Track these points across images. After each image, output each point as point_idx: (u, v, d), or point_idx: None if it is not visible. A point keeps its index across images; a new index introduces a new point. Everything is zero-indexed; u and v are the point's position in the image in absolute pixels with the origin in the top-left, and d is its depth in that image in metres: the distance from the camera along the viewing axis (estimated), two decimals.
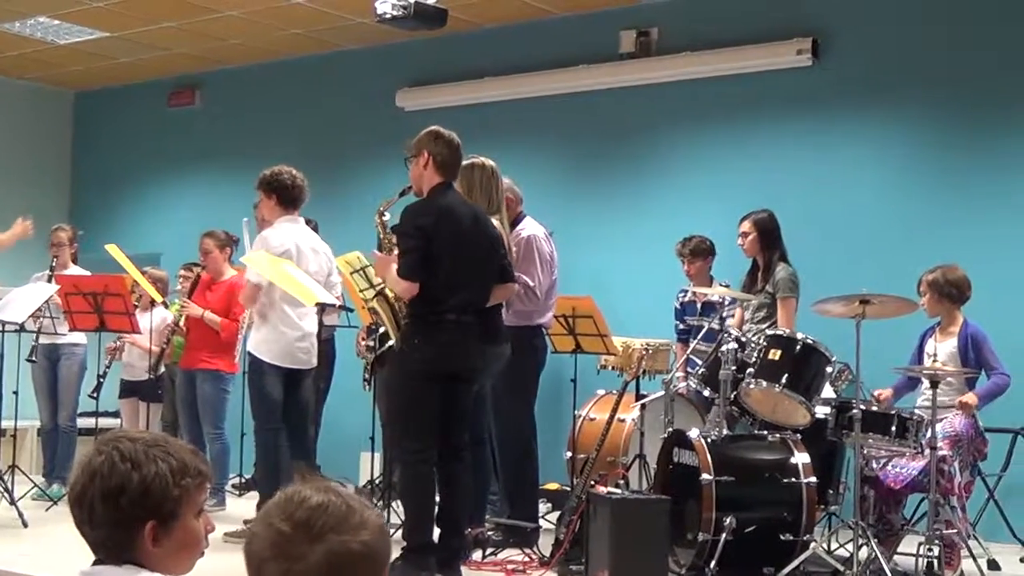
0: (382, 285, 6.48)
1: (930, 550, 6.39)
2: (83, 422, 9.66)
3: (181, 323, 8.73)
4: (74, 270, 9.48)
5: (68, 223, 10.49)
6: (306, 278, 7.35)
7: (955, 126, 8.96)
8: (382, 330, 7.76)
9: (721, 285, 8.31)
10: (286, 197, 7.57)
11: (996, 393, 6.90)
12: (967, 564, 6.65)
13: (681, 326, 8.74)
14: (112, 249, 9.00)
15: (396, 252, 6.26)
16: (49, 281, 9.05)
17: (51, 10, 10.93)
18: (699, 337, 7.84)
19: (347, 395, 9.52)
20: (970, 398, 6.81)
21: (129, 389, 9.90)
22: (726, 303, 8.15)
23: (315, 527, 2.05)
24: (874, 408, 6.65)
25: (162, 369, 9.32)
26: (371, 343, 8.39)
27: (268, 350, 7.48)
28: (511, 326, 6.92)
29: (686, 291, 8.67)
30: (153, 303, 9.37)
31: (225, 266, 8.84)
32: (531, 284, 7.25)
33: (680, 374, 7.88)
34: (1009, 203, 8.65)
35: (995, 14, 8.78)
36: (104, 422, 9.52)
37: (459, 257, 6.15)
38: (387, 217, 6.53)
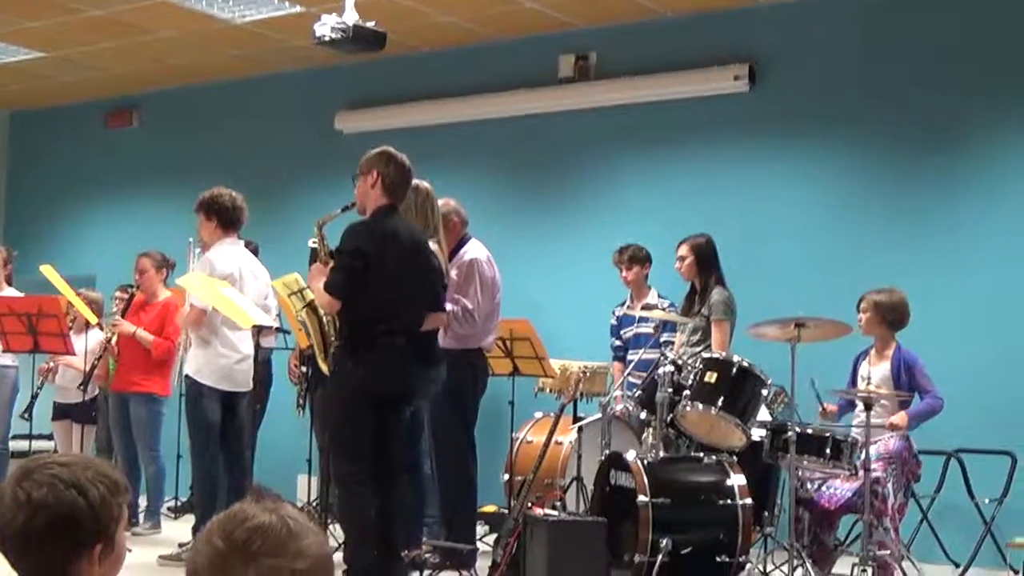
0: (313, 300, 6.47)
1: (864, 571, 6.42)
2: (15, 444, 9.53)
3: (113, 342, 8.64)
4: (8, 291, 9.34)
5: (2, 244, 10.38)
6: (243, 299, 7.31)
7: (889, 152, 9.04)
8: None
9: (662, 309, 8.34)
10: (226, 219, 7.53)
11: (928, 414, 6.96)
12: None
13: (617, 342, 8.76)
14: (47, 270, 8.90)
15: (331, 266, 6.23)
16: None
17: None
18: (647, 346, 7.86)
19: (283, 417, 9.46)
20: (900, 418, 6.85)
21: (62, 411, 9.75)
22: (663, 327, 8.19)
23: (251, 549, 2.02)
24: (809, 430, 6.68)
25: (96, 391, 9.22)
26: (304, 369, 8.35)
27: (208, 373, 7.42)
28: (449, 349, 6.92)
29: (623, 304, 8.71)
30: (88, 325, 9.26)
31: (160, 287, 8.77)
32: (469, 307, 7.24)
33: (618, 393, 7.89)
34: (940, 228, 8.73)
35: (929, 47, 8.88)
36: (37, 444, 9.38)
37: (397, 282, 6.14)
38: (326, 231, 6.51)
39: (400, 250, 6.20)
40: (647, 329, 8.32)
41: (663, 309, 8.27)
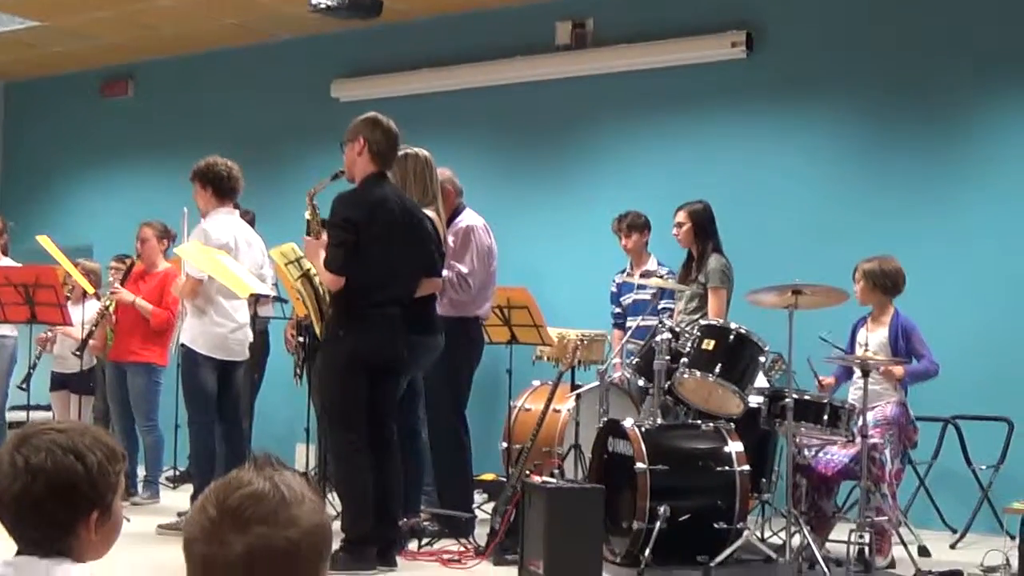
0: (309, 269, 6.46)
1: (861, 537, 6.41)
2: (13, 415, 9.52)
3: (111, 309, 8.61)
4: (4, 261, 9.35)
5: None
6: (240, 269, 7.30)
7: (885, 119, 9.02)
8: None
9: (660, 276, 8.31)
10: (222, 188, 7.50)
11: (924, 375, 6.98)
12: (898, 551, 6.71)
13: (617, 310, 8.76)
14: (43, 240, 8.88)
15: (325, 237, 6.21)
16: None
17: None
18: (645, 313, 7.86)
19: (281, 387, 9.47)
20: (898, 370, 6.86)
21: (60, 382, 9.76)
22: (662, 273, 8.18)
23: (242, 516, 1.98)
24: (807, 397, 6.68)
25: (93, 361, 9.22)
26: (300, 339, 8.34)
27: (204, 342, 7.40)
28: (446, 317, 6.90)
29: (623, 272, 8.70)
30: (85, 295, 9.24)
31: (159, 257, 8.75)
32: (464, 271, 7.19)
33: (616, 360, 7.89)
34: (937, 196, 8.71)
35: (927, 14, 8.83)
36: (35, 415, 9.37)
37: (388, 250, 6.11)
38: (317, 201, 6.48)
39: (389, 218, 6.16)
40: (645, 296, 8.33)
41: (661, 276, 8.24)
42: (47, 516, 2.36)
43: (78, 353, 8.94)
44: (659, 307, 8.10)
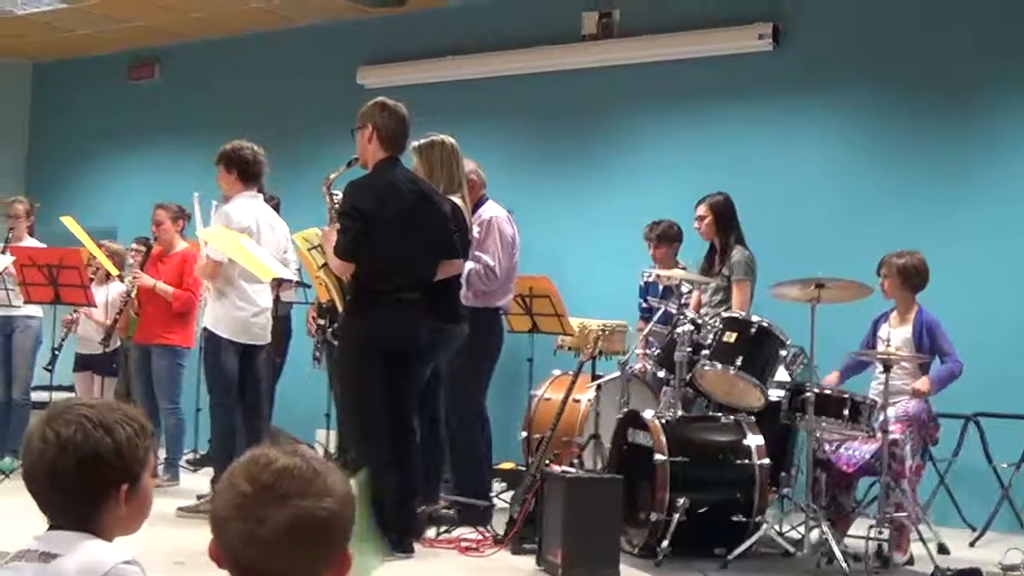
0: None
1: (880, 533, 6.38)
2: (37, 395, 9.54)
3: (133, 295, 8.63)
4: (30, 242, 9.36)
5: (25, 195, 10.37)
6: (263, 253, 7.29)
7: (912, 112, 8.97)
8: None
9: (679, 267, 8.27)
10: (247, 172, 7.48)
11: (949, 379, 6.92)
12: (917, 548, 6.66)
13: (644, 304, 8.72)
14: (68, 222, 8.89)
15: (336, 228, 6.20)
16: (3, 253, 8.94)
17: None
18: (655, 320, 7.83)
19: (303, 371, 9.46)
20: (923, 383, 6.82)
21: (84, 363, 9.78)
22: (683, 290, 8.13)
23: (279, 491, 2.01)
24: (828, 392, 6.64)
25: (117, 343, 9.23)
26: (322, 322, 8.34)
27: (225, 326, 7.40)
28: (470, 307, 6.89)
29: (649, 271, 8.65)
30: (109, 276, 9.27)
31: (177, 238, 8.75)
32: (491, 263, 7.19)
33: (639, 351, 7.85)
34: (966, 189, 8.68)
35: (948, 10, 8.80)
36: (58, 396, 9.39)
37: (402, 235, 6.08)
38: (335, 188, 6.46)
39: (400, 203, 6.12)
40: (669, 306, 8.23)
41: (685, 268, 8.20)
42: (76, 489, 2.39)
43: (104, 340, 8.97)
44: (682, 299, 8.05)
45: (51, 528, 2.49)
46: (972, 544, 7.41)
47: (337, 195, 6.45)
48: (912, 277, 7.02)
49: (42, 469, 2.41)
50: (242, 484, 2.03)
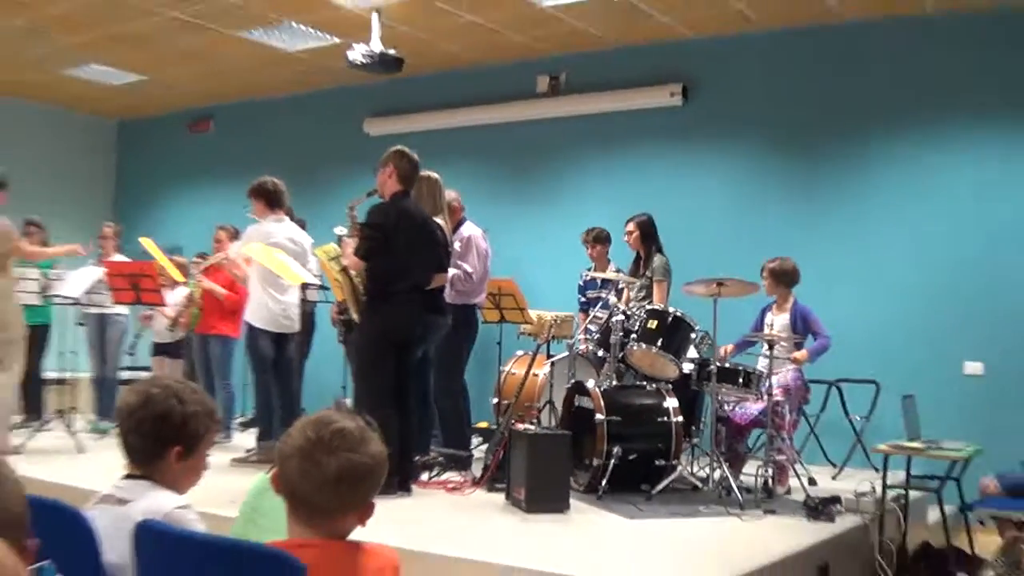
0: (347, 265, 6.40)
1: (766, 471, 6.39)
2: (123, 374, 9.46)
3: (195, 295, 8.55)
4: (117, 258, 9.30)
5: (113, 221, 10.28)
6: (292, 262, 7.24)
7: (789, 154, 9.01)
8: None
9: (614, 271, 8.24)
10: (270, 200, 7.44)
11: (821, 351, 6.91)
12: (793, 481, 6.64)
13: (583, 299, 8.69)
14: (145, 241, 8.83)
15: (359, 237, 6.14)
16: (97, 265, 8.88)
17: (100, 59, 10.74)
18: (598, 307, 7.79)
19: (325, 354, 9.42)
20: (802, 354, 6.83)
21: (158, 349, 9.69)
22: (619, 286, 8.11)
23: (332, 444, 2.08)
24: (726, 364, 6.62)
25: (182, 334, 9.16)
26: (343, 317, 8.27)
27: (260, 319, 7.33)
28: (452, 304, 6.84)
29: (589, 269, 8.63)
30: (176, 283, 9.18)
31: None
32: (469, 271, 7.18)
33: (581, 336, 7.81)
34: (829, 211, 8.74)
35: (820, 76, 8.83)
36: (139, 375, 9.32)
37: (410, 249, 6.03)
38: (356, 211, 6.43)
39: (410, 225, 6.07)
40: (604, 294, 8.23)
41: (616, 271, 8.17)
42: (147, 433, 2.48)
43: (171, 329, 8.89)
44: (611, 295, 8.02)
45: (127, 477, 2.54)
46: (834, 478, 7.39)
47: (356, 215, 6.42)
48: (782, 277, 7.04)
49: (129, 417, 2.49)
50: (308, 433, 2.10)
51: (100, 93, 12.17)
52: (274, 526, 2.36)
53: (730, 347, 7.13)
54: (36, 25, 9.60)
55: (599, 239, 8.54)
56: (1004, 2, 7.95)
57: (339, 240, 6.64)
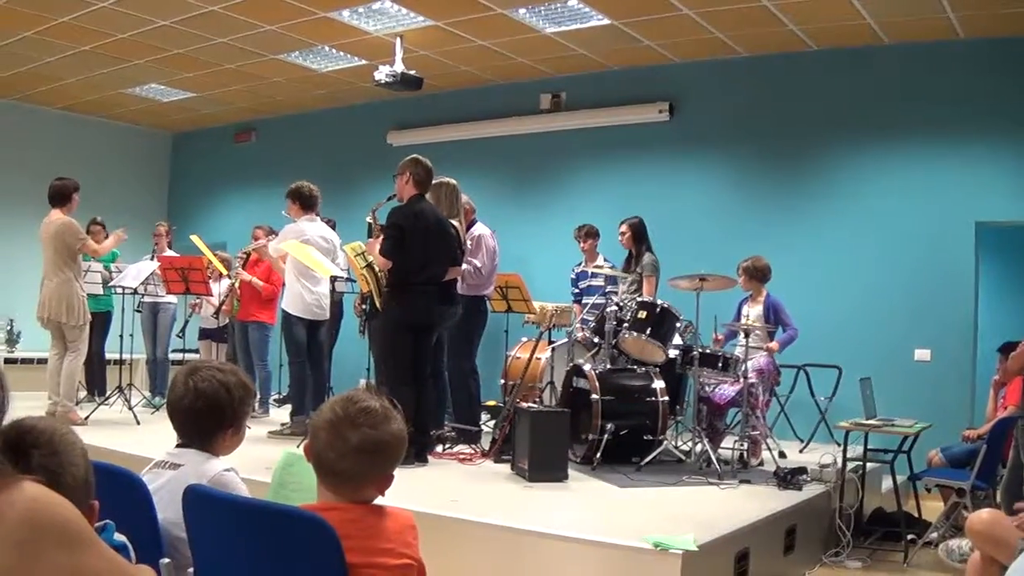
0: (372, 260, 6.38)
1: (742, 445, 6.37)
2: (174, 355, 9.46)
3: (236, 286, 8.54)
4: (169, 253, 9.29)
5: (165, 221, 10.29)
6: (323, 257, 7.23)
7: (764, 165, 8.97)
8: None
9: (608, 267, 8.22)
10: (304, 202, 7.42)
11: (789, 342, 6.91)
12: (765, 454, 6.63)
13: (575, 291, 8.67)
14: (194, 239, 8.82)
15: (381, 237, 6.12)
16: (152, 260, 8.90)
17: (158, 79, 10.75)
18: (596, 295, 7.77)
19: (351, 340, 9.39)
20: (774, 345, 6.83)
21: (204, 333, 9.68)
22: (609, 279, 8.09)
23: (356, 420, 2.08)
24: (708, 350, 6.60)
25: (226, 320, 9.16)
26: (365, 307, 8.26)
27: (294, 307, 7.32)
28: (464, 295, 6.82)
29: (579, 265, 8.61)
30: (221, 275, 9.18)
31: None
32: (479, 266, 7.15)
33: (578, 324, 7.80)
34: (798, 215, 8.71)
35: (792, 96, 8.79)
36: (188, 356, 9.33)
37: (425, 246, 6.00)
38: (377, 214, 6.41)
39: (425, 224, 6.04)
40: (598, 282, 8.23)
41: (611, 267, 8.15)
42: (201, 423, 2.52)
43: (215, 316, 8.88)
44: (606, 290, 8.01)
45: (178, 446, 2.57)
46: (801, 451, 7.36)
47: (378, 218, 6.40)
48: (755, 273, 7.04)
49: (182, 407, 2.52)
50: (337, 409, 2.10)
51: (158, 108, 12.15)
52: (299, 496, 2.46)
53: (721, 336, 7.13)
54: (105, 51, 9.60)
55: (589, 234, 8.53)
56: (945, 36, 7.92)
57: (369, 231, 6.58)
